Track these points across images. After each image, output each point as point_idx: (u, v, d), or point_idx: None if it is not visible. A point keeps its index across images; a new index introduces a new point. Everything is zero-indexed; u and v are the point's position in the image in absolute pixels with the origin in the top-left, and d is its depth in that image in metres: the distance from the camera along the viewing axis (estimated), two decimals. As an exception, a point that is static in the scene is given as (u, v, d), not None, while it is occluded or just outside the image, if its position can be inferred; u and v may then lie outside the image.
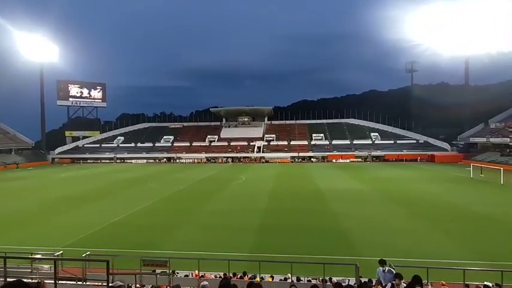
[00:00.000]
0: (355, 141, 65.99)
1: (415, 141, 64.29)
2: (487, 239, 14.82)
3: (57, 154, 68.94)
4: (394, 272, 6.32)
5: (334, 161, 60.41)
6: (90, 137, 76.64)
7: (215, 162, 63.68)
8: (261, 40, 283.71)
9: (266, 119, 79.65)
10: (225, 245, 14.27)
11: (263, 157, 63.96)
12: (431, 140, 63.55)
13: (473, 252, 12.86)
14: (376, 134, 68.00)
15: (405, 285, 5.61)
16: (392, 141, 64.68)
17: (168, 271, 8.30)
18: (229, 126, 78.34)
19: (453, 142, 60.83)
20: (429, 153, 58.43)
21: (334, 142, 66.61)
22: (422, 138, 64.65)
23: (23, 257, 10.89)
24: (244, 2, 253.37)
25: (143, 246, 14.00)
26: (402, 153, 59.73)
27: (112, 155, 67.66)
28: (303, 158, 62.70)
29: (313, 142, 67.80)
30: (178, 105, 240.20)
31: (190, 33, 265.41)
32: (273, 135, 71.78)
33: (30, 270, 9.12)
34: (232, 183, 33.96)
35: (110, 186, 32.91)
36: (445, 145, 61.24)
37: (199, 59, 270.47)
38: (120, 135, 77.70)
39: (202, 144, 70.62)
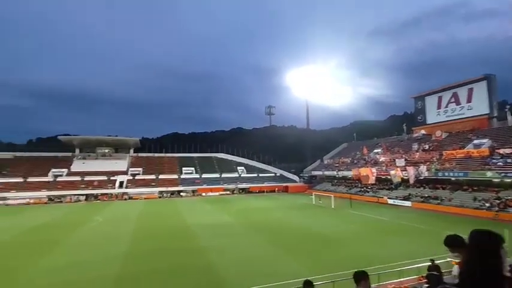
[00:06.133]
0: (223, 175, 69.20)
1: (273, 174, 73.63)
2: (322, 252, 18.08)
3: None
4: None
5: (204, 194, 60.83)
6: None
7: (61, 201, 51.87)
8: (122, 67, 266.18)
9: (132, 151, 73.03)
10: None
11: (126, 193, 57.24)
12: (285, 173, 74.51)
13: (314, 266, 15.29)
14: (242, 167, 73.89)
15: None
16: (256, 175, 71.70)
17: None
18: (84, 158, 66.71)
19: (300, 175, 73.58)
20: (284, 184, 68.03)
21: (204, 176, 67.68)
22: (279, 172, 74.90)
23: None
24: (106, 24, 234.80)
25: None
26: (263, 185, 66.96)
27: None
28: (172, 193, 60.14)
29: (183, 176, 66.54)
30: (8, 130, 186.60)
31: (29, 36, 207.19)
32: (140, 169, 66.08)
33: None
34: (83, 227, 28.31)
35: None
36: (295, 177, 73.07)
37: (40, 74, 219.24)
38: None
39: (43, 179, 56.51)
